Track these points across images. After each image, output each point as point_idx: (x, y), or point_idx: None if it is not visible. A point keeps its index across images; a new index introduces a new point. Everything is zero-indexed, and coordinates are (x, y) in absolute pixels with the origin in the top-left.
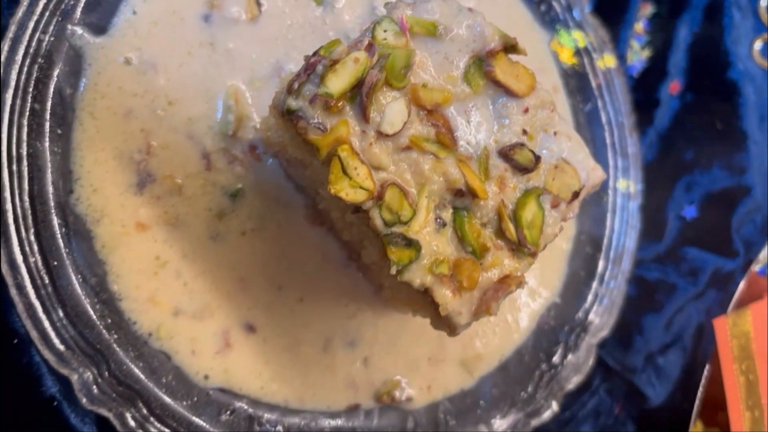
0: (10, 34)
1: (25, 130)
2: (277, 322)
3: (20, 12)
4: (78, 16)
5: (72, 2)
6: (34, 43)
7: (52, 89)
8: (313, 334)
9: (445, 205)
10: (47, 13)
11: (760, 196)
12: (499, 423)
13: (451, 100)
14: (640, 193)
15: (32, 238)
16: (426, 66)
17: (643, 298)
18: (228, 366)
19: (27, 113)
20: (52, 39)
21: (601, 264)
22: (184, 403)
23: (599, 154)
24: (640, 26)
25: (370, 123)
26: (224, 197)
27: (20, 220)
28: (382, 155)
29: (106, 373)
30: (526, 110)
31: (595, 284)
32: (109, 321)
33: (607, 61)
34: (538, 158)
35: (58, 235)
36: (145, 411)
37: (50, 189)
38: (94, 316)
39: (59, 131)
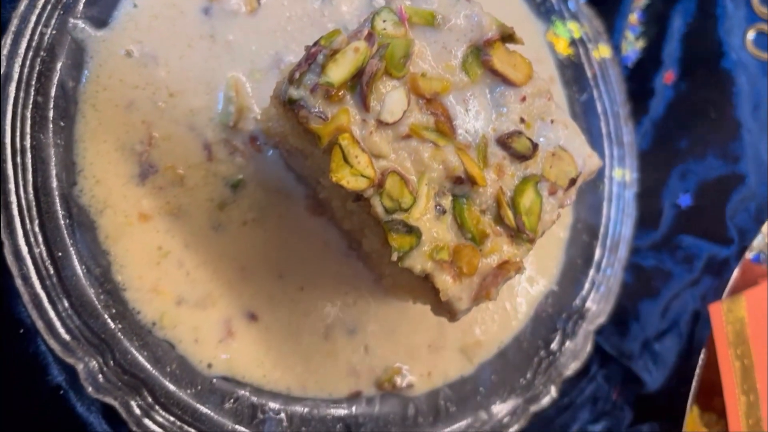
0: (12, 28)
1: (28, 122)
2: (279, 310)
3: (22, 6)
4: (79, 10)
5: None
6: (36, 37)
7: (54, 82)
8: (314, 322)
9: (444, 193)
10: (49, 7)
11: (754, 184)
12: (499, 409)
13: (450, 89)
14: (636, 181)
15: (37, 229)
16: (425, 55)
17: (639, 285)
18: (231, 354)
19: (30, 106)
20: (54, 32)
21: (597, 252)
22: (189, 391)
23: (595, 144)
24: (634, 17)
25: (370, 112)
26: (225, 188)
27: (25, 211)
28: (382, 143)
29: (111, 362)
30: (524, 99)
31: (592, 272)
32: (114, 311)
33: (602, 51)
34: (535, 146)
35: (63, 226)
36: (150, 399)
37: (54, 181)
38: (99, 306)
39: (62, 123)
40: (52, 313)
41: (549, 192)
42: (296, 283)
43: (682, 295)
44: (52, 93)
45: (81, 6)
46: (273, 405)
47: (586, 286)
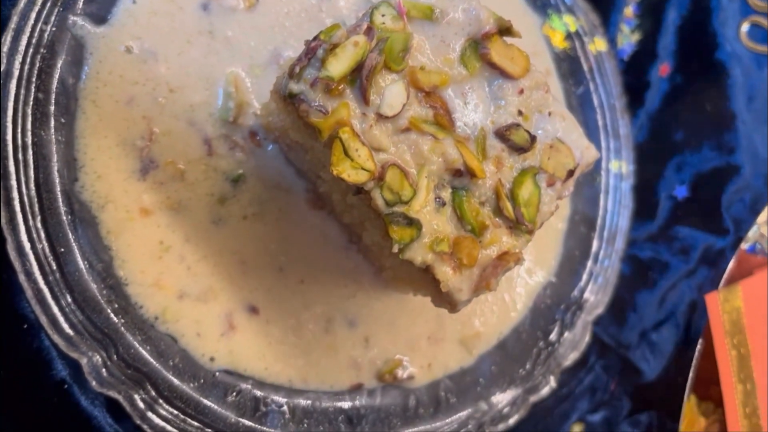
0: (12, 25)
1: (29, 119)
2: (279, 303)
3: (22, 3)
4: (79, 7)
5: None
6: (36, 34)
7: (55, 78)
8: (315, 315)
9: (444, 185)
10: (49, 4)
11: (749, 175)
12: (499, 399)
13: (449, 82)
14: (632, 173)
15: (39, 225)
16: (423, 49)
17: (636, 276)
18: (233, 348)
19: (31, 103)
20: (53, 29)
21: (595, 243)
22: (192, 385)
23: (592, 136)
24: (629, 10)
25: (370, 105)
26: (226, 182)
27: (27, 208)
28: (382, 137)
29: (115, 356)
30: (521, 91)
31: (589, 263)
32: (116, 305)
33: (598, 44)
34: (533, 138)
35: (65, 222)
36: (153, 393)
37: (55, 177)
38: (102, 301)
39: (63, 120)
40: (55, 309)
41: (547, 184)
42: (296, 277)
43: (679, 286)
44: (53, 89)
45: (80, 3)
46: (275, 398)
47: (584, 277)
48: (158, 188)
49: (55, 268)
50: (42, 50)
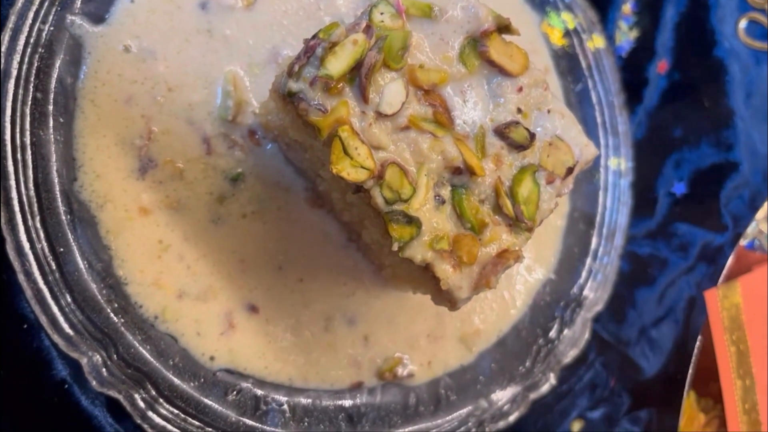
0: (10, 25)
1: (28, 119)
2: (279, 302)
3: (20, 2)
4: (77, 6)
5: None
6: (34, 33)
7: (53, 78)
8: (314, 314)
9: (443, 183)
10: (46, 3)
11: (748, 171)
12: (499, 397)
13: (448, 80)
14: (631, 170)
15: (38, 225)
16: (422, 47)
17: (635, 272)
18: (232, 347)
19: (29, 102)
20: (51, 29)
21: (594, 240)
22: (192, 384)
23: (590, 133)
24: (627, 7)
25: (369, 104)
26: (225, 181)
27: (26, 207)
28: (381, 135)
29: (115, 356)
30: (520, 89)
31: (588, 260)
32: (116, 305)
33: (596, 41)
34: (532, 136)
35: (64, 222)
36: (153, 392)
37: (54, 177)
38: (102, 301)
39: (61, 119)
40: (55, 309)
41: (547, 181)
42: (296, 275)
43: (678, 282)
44: (51, 89)
45: (78, 2)
46: (276, 396)
47: (584, 274)
48: (157, 187)
49: (54, 267)
50: (40, 50)
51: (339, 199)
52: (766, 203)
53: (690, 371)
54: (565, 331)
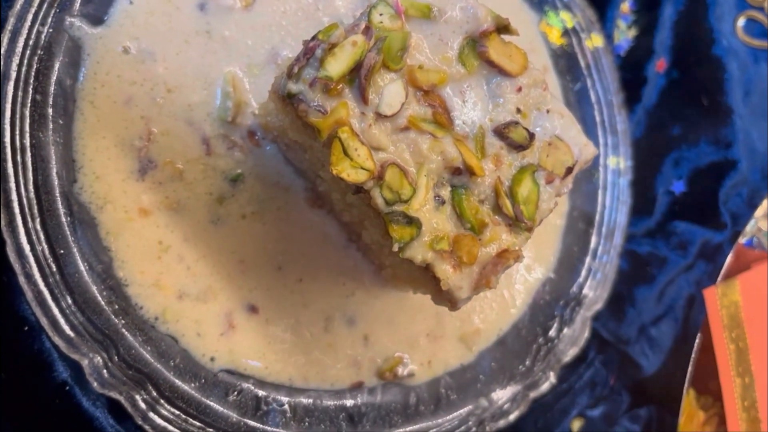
0: (9, 27)
1: (27, 121)
2: (278, 302)
3: (18, 4)
4: (76, 8)
5: None
6: (33, 35)
7: (52, 80)
8: (314, 314)
9: (443, 183)
10: (45, 5)
11: (746, 169)
12: (499, 396)
13: (447, 80)
14: (630, 169)
15: (38, 227)
16: (422, 48)
17: (635, 271)
18: (233, 347)
19: (29, 104)
20: (50, 31)
21: (593, 239)
22: (193, 384)
23: (589, 132)
24: (626, 6)
25: (369, 105)
26: (224, 182)
27: (26, 210)
28: (381, 136)
29: (116, 357)
30: (520, 89)
31: (588, 259)
32: (117, 306)
33: (595, 40)
34: (532, 135)
35: (64, 224)
36: (154, 393)
37: (54, 178)
38: (102, 302)
39: (61, 121)
40: (55, 310)
41: (546, 181)
42: (296, 276)
43: (677, 281)
44: (51, 91)
45: (77, 4)
46: (276, 396)
47: (583, 273)
48: (157, 188)
49: (55, 269)
50: (39, 52)
51: (339, 199)
52: (765, 201)
53: (689, 369)
54: (565, 330)
